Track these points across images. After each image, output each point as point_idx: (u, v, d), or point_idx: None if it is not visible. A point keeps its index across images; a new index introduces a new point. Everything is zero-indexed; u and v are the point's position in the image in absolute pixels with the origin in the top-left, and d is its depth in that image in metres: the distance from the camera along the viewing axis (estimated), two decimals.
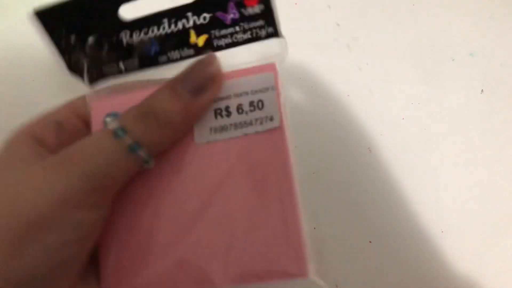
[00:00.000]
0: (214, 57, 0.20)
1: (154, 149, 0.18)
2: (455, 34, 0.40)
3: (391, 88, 0.37)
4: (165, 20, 0.21)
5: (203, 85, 0.19)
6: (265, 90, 0.21)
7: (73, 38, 0.21)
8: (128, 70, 0.22)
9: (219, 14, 0.21)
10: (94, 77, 0.22)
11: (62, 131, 0.21)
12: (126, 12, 0.21)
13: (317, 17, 0.41)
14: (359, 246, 0.31)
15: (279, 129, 0.21)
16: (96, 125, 0.21)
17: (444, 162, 0.34)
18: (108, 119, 0.19)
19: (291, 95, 0.36)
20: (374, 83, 0.38)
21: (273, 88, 0.21)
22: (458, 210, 0.32)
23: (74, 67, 0.22)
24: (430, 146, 0.35)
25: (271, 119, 0.21)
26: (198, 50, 0.22)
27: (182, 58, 0.22)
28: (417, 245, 0.31)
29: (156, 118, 0.18)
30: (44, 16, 0.21)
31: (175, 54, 0.22)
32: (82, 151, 0.17)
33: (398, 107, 0.37)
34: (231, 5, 0.20)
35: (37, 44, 0.21)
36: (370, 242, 0.31)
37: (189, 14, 0.21)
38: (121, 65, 0.22)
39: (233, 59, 0.22)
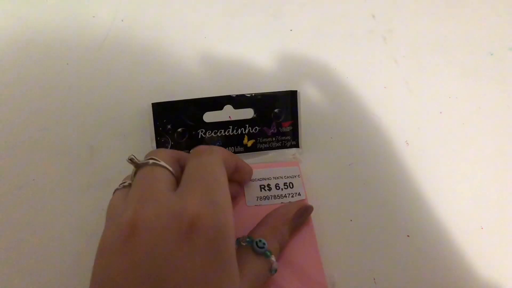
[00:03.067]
0: (311, 208, 0.29)
1: None
2: (493, 28, 0.40)
3: (428, 81, 0.37)
4: (231, 127, 0.32)
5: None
6: (293, 176, 0.30)
7: (169, 126, 0.31)
8: None
9: (265, 128, 0.32)
10: None
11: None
12: (207, 117, 0.31)
13: (353, 9, 0.40)
14: (397, 240, 0.30)
15: (305, 200, 0.30)
16: None
17: (482, 158, 0.34)
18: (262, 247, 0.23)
19: (326, 85, 0.36)
20: (410, 76, 0.37)
21: (299, 176, 0.30)
22: (498, 206, 0.31)
23: (159, 146, 0.31)
24: (468, 141, 0.34)
25: (299, 194, 0.30)
26: (246, 149, 0.32)
27: (234, 152, 0.32)
28: (456, 241, 0.30)
29: (281, 246, 0.25)
30: (157, 106, 0.31)
31: (231, 149, 0.32)
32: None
33: (435, 101, 0.36)
34: (274, 124, 0.32)
35: None
36: (408, 236, 0.30)
37: (247, 125, 0.32)
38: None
39: (269, 156, 0.32)
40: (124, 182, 0.23)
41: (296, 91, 0.32)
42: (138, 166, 0.21)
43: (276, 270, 0.23)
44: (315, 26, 0.39)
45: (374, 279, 0.29)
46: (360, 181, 0.32)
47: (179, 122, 0.31)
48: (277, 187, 0.30)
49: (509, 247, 0.30)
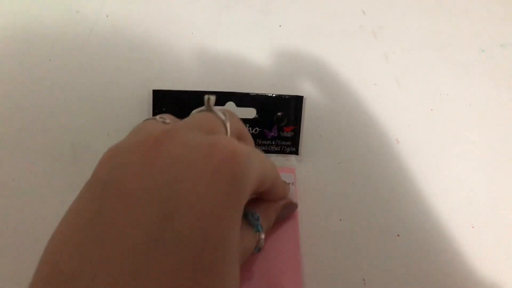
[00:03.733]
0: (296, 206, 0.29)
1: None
2: (485, 25, 0.39)
3: (418, 78, 0.36)
4: None
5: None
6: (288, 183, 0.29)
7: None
8: None
9: (265, 130, 0.31)
10: None
11: None
12: None
13: (342, 4, 0.40)
14: (387, 239, 0.30)
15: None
16: None
17: (473, 156, 0.33)
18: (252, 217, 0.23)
19: (316, 82, 0.35)
20: (401, 73, 0.36)
21: (293, 183, 0.30)
22: (489, 204, 0.31)
23: None
24: (459, 138, 0.34)
25: None
26: None
27: None
28: (446, 240, 0.30)
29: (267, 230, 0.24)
30: (157, 94, 0.31)
31: None
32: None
33: (426, 98, 0.35)
34: (275, 127, 0.31)
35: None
36: (398, 235, 0.30)
37: (247, 125, 0.31)
38: None
39: None
40: (163, 118, 0.21)
41: (302, 96, 0.31)
42: (210, 111, 0.20)
43: (260, 249, 0.22)
44: (304, 22, 0.38)
45: (364, 279, 0.28)
46: (349, 179, 0.31)
47: (178, 113, 0.30)
48: None
49: (500, 246, 0.30)
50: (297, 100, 0.31)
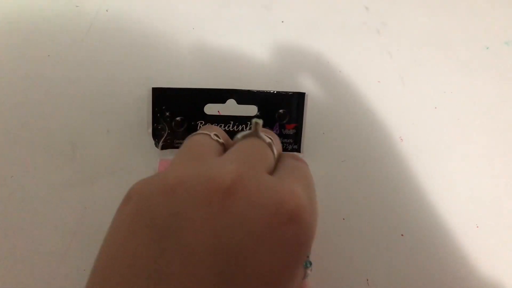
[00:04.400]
0: None
1: None
2: (489, 22, 0.39)
3: (422, 76, 0.36)
4: (232, 122, 0.31)
5: None
6: None
7: (167, 113, 0.30)
8: None
9: (266, 128, 0.29)
10: (166, 145, 0.30)
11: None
12: (208, 109, 0.30)
13: (345, 0, 0.39)
14: (391, 239, 0.29)
15: None
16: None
17: (478, 154, 0.33)
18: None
19: (319, 79, 0.35)
20: (405, 70, 0.36)
21: None
22: (494, 204, 0.31)
23: (156, 133, 0.30)
24: (464, 136, 0.33)
25: None
26: None
27: None
28: (451, 240, 0.29)
29: None
30: (156, 91, 0.30)
31: None
32: None
33: (430, 96, 0.35)
34: (277, 124, 0.31)
35: None
36: (402, 235, 0.29)
37: (248, 122, 0.31)
38: None
39: None
40: (216, 133, 0.20)
41: (304, 93, 0.31)
42: (257, 136, 0.19)
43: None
44: (307, 17, 0.38)
45: (367, 279, 0.28)
46: (353, 178, 0.31)
47: (178, 111, 0.30)
48: None
49: (504, 246, 0.29)
50: (299, 97, 0.31)
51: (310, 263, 0.20)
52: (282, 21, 0.37)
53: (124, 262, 0.14)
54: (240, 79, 0.34)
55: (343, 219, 0.30)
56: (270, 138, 0.20)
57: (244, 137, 0.20)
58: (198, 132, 0.21)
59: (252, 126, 0.20)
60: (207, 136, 0.20)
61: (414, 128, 0.33)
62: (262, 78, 0.35)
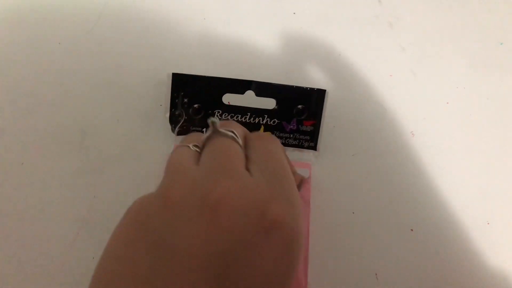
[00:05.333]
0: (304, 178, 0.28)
1: None
2: (504, 17, 0.38)
3: (435, 70, 0.35)
4: (248, 114, 0.30)
5: None
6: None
7: (185, 99, 0.30)
8: None
9: (284, 123, 0.30)
10: (182, 131, 0.31)
11: None
12: (226, 99, 0.30)
13: None
14: (400, 234, 0.29)
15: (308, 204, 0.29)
16: None
17: (489, 150, 0.32)
18: None
19: (330, 72, 0.34)
20: (417, 65, 0.35)
21: (308, 178, 0.29)
22: (505, 201, 0.30)
23: (173, 118, 0.30)
24: (475, 132, 0.33)
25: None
26: None
27: None
28: (461, 236, 0.29)
29: None
30: (177, 77, 0.30)
31: None
32: None
33: (442, 90, 0.34)
34: (294, 120, 0.30)
35: None
36: (412, 230, 0.29)
37: (266, 115, 0.30)
38: (204, 131, 0.30)
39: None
40: (194, 144, 0.21)
41: (325, 90, 0.30)
42: (219, 133, 0.20)
43: None
44: (319, 9, 0.37)
45: (376, 274, 0.28)
46: (363, 172, 0.31)
47: (197, 98, 0.30)
48: None
49: None
50: (320, 94, 0.30)
51: None
52: (294, 13, 0.37)
53: (122, 269, 0.15)
54: (249, 70, 0.34)
55: (353, 212, 0.29)
56: (230, 131, 0.20)
57: (208, 138, 0.20)
58: (179, 145, 0.21)
59: (210, 126, 0.20)
60: (186, 148, 0.20)
61: (426, 123, 0.33)
62: (272, 69, 0.34)
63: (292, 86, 0.30)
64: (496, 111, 0.34)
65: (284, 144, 0.31)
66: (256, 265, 0.15)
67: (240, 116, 0.30)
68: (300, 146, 0.31)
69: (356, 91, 0.34)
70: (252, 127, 0.30)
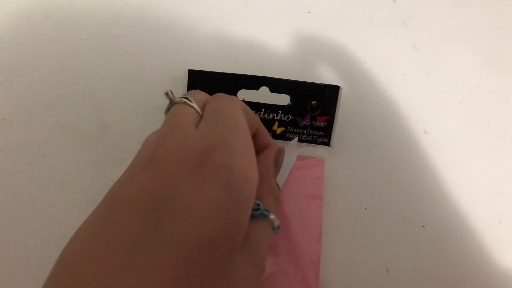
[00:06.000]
0: (283, 149, 0.27)
1: None
2: None
3: (449, 70, 0.36)
4: (263, 110, 0.31)
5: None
6: (315, 178, 0.29)
7: None
8: None
9: (298, 118, 0.31)
10: None
11: None
12: (241, 95, 0.31)
13: None
14: (411, 230, 0.29)
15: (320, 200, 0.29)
16: None
17: (502, 150, 0.33)
18: (272, 217, 0.22)
19: (344, 70, 0.35)
20: (430, 64, 0.36)
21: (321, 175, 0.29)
22: None
23: None
24: (488, 132, 0.33)
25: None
26: (275, 135, 0.31)
27: None
28: (472, 234, 0.29)
29: (278, 202, 0.24)
30: (193, 73, 0.31)
31: None
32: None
33: (456, 90, 0.35)
34: (308, 116, 0.31)
35: None
36: (423, 227, 0.29)
37: (280, 111, 0.31)
38: None
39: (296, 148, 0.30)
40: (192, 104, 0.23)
41: (339, 86, 0.30)
42: (171, 102, 0.22)
43: (278, 227, 0.22)
44: (334, 8, 0.38)
45: (387, 268, 0.28)
46: (375, 169, 0.31)
47: (212, 93, 0.31)
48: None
49: None
50: (334, 90, 0.31)
51: (268, 211, 0.22)
52: (309, 12, 0.37)
53: (88, 221, 0.18)
54: (264, 67, 0.35)
55: (365, 208, 0.30)
56: (184, 97, 0.22)
57: (167, 110, 0.22)
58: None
59: (167, 97, 0.22)
60: (183, 108, 0.22)
61: (439, 121, 0.33)
62: (286, 67, 0.35)
63: (306, 82, 0.31)
64: (509, 110, 0.34)
65: (298, 140, 0.31)
66: (190, 203, 0.17)
67: (254, 111, 0.31)
68: (313, 141, 0.31)
69: (369, 89, 0.34)
70: (266, 123, 0.31)
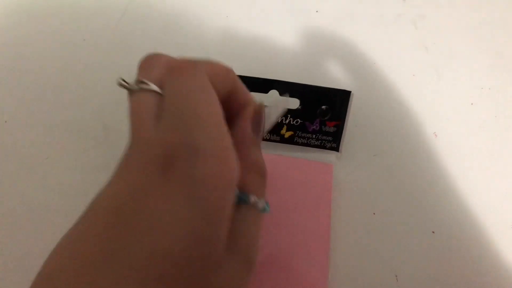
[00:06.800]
0: (263, 106, 0.23)
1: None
2: None
3: (459, 71, 0.35)
4: None
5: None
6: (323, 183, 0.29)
7: None
8: None
9: (306, 123, 0.30)
10: None
11: None
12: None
13: None
14: (421, 236, 0.29)
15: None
16: None
17: None
18: (253, 199, 0.20)
19: (352, 71, 0.34)
20: (441, 64, 0.35)
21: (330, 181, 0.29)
22: None
23: None
24: (500, 134, 0.32)
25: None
26: (283, 139, 0.31)
27: (270, 140, 0.31)
28: (484, 239, 0.29)
29: (264, 177, 0.22)
30: None
31: (266, 136, 0.31)
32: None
33: (466, 91, 0.34)
34: (317, 121, 0.30)
35: None
36: (433, 232, 0.29)
37: (289, 115, 0.30)
38: None
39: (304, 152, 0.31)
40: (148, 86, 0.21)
41: (350, 91, 0.30)
42: (129, 91, 0.21)
43: (267, 206, 0.21)
44: (342, 8, 0.37)
45: (396, 276, 0.28)
46: (384, 172, 0.31)
47: None
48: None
49: None
50: (344, 95, 0.30)
51: (247, 196, 0.20)
52: (317, 11, 0.37)
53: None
54: (271, 68, 0.34)
55: (374, 213, 0.29)
56: (140, 82, 0.20)
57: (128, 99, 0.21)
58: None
59: (121, 87, 0.21)
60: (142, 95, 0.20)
61: (449, 123, 0.32)
62: (294, 67, 0.34)
63: (316, 86, 0.30)
64: None
65: (306, 144, 0.30)
66: (156, 216, 0.16)
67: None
68: (322, 146, 0.30)
69: (379, 91, 0.33)
70: (275, 127, 0.30)
